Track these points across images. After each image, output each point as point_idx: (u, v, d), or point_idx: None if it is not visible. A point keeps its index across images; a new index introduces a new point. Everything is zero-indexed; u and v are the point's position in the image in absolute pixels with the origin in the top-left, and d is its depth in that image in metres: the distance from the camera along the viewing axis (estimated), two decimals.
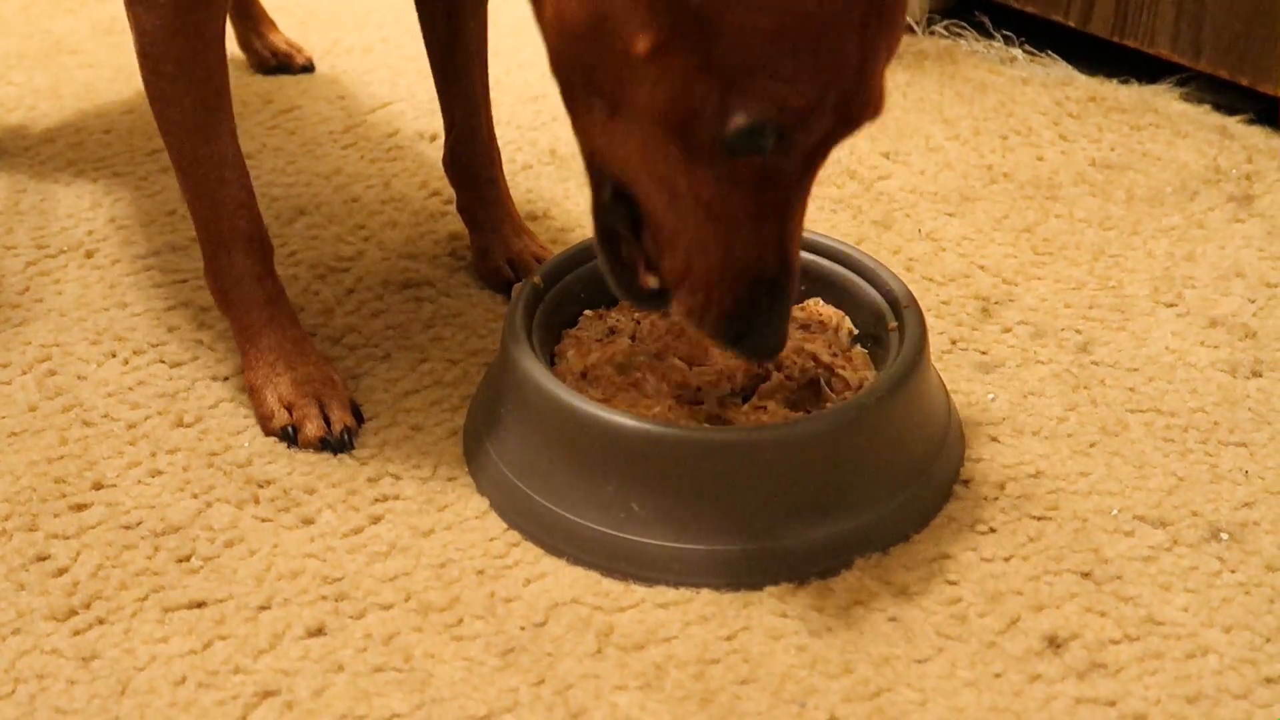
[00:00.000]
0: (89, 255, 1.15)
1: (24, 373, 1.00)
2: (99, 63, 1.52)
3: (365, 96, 1.44)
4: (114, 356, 1.02)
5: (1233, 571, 0.81)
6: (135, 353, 1.02)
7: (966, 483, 0.88)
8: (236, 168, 0.93)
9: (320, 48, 1.54)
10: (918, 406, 0.86)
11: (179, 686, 0.74)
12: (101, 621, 0.78)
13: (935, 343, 1.02)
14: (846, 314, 0.96)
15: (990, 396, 0.96)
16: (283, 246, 1.15)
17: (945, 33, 1.55)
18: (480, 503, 0.87)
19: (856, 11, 0.68)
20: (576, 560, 0.82)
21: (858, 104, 0.71)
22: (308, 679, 0.75)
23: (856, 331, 0.95)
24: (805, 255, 0.97)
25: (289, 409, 0.93)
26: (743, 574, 0.80)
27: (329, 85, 1.47)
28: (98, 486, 0.89)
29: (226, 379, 0.99)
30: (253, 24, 1.50)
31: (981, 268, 1.12)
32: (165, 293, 1.09)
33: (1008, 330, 1.04)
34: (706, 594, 0.80)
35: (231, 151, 0.92)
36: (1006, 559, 0.82)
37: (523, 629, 0.78)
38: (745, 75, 0.68)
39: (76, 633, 0.78)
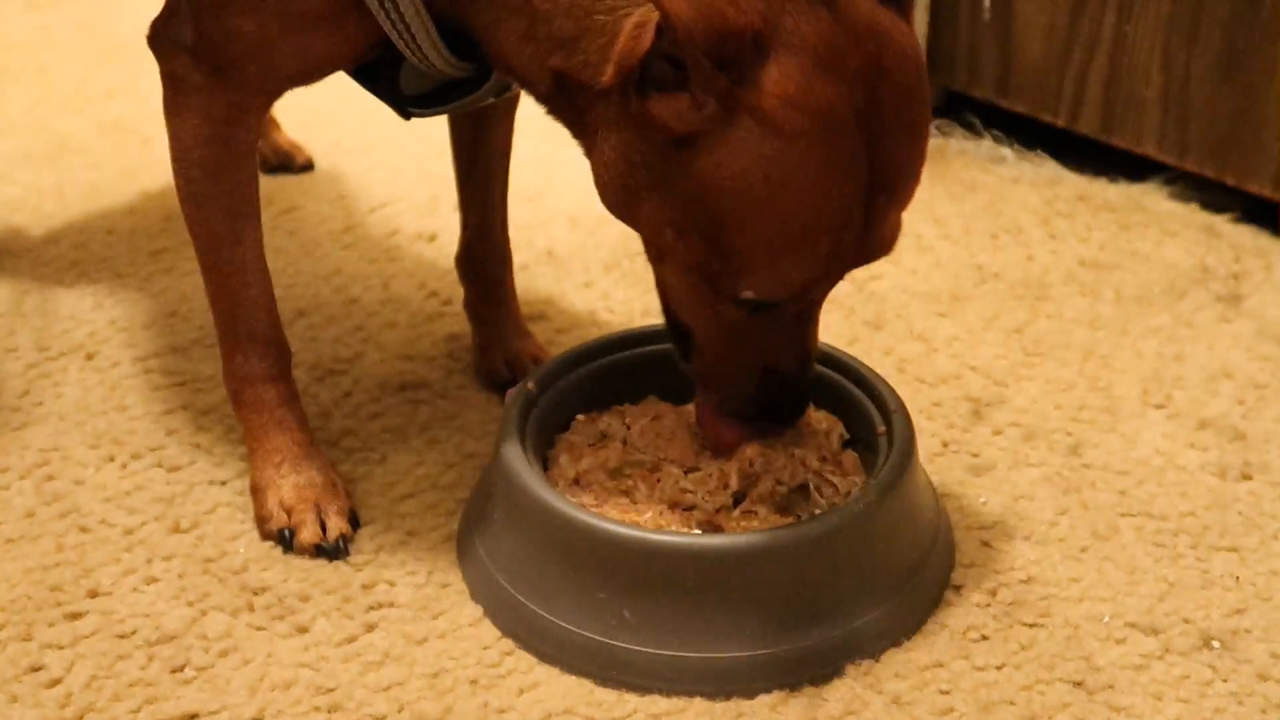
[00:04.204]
0: (89, 357, 1.16)
1: (22, 477, 1.01)
2: (103, 163, 1.55)
3: (365, 196, 1.47)
4: (112, 460, 1.03)
5: (1224, 680, 0.81)
6: (133, 456, 1.03)
7: (958, 588, 0.89)
8: (259, 273, 0.96)
9: (321, 147, 1.58)
10: (907, 511, 0.87)
11: None
12: None
13: (926, 445, 1.03)
14: (839, 418, 0.97)
15: (982, 500, 0.98)
16: None
17: (936, 132, 1.58)
18: (474, 610, 0.88)
19: (855, 208, 0.74)
20: (570, 669, 0.83)
21: (864, 256, 0.79)
22: None
23: (848, 436, 0.96)
24: None
25: (288, 513, 0.94)
26: (736, 682, 0.81)
27: (329, 184, 1.50)
28: (93, 594, 0.90)
29: (224, 483, 1.01)
30: None
31: (972, 369, 1.14)
32: (165, 395, 1.11)
33: (999, 432, 1.05)
34: (699, 703, 0.80)
35: (255, 257, 0.95)
36: (999, 667, 0.83)
37: None
38: (750, 266, 0.76)
39: None
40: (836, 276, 0.80)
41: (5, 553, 0.93)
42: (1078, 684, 0.81)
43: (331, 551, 0.92)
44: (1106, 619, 0.86)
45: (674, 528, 0.86)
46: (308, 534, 0.93)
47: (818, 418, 0.96)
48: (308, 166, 1.53)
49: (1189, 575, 0.90)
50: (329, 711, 0.80)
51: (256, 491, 0.96)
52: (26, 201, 1.46)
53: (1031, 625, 0.86)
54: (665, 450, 0.92)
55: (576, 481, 0.91)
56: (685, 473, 0.91)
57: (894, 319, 1.22)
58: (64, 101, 1.73)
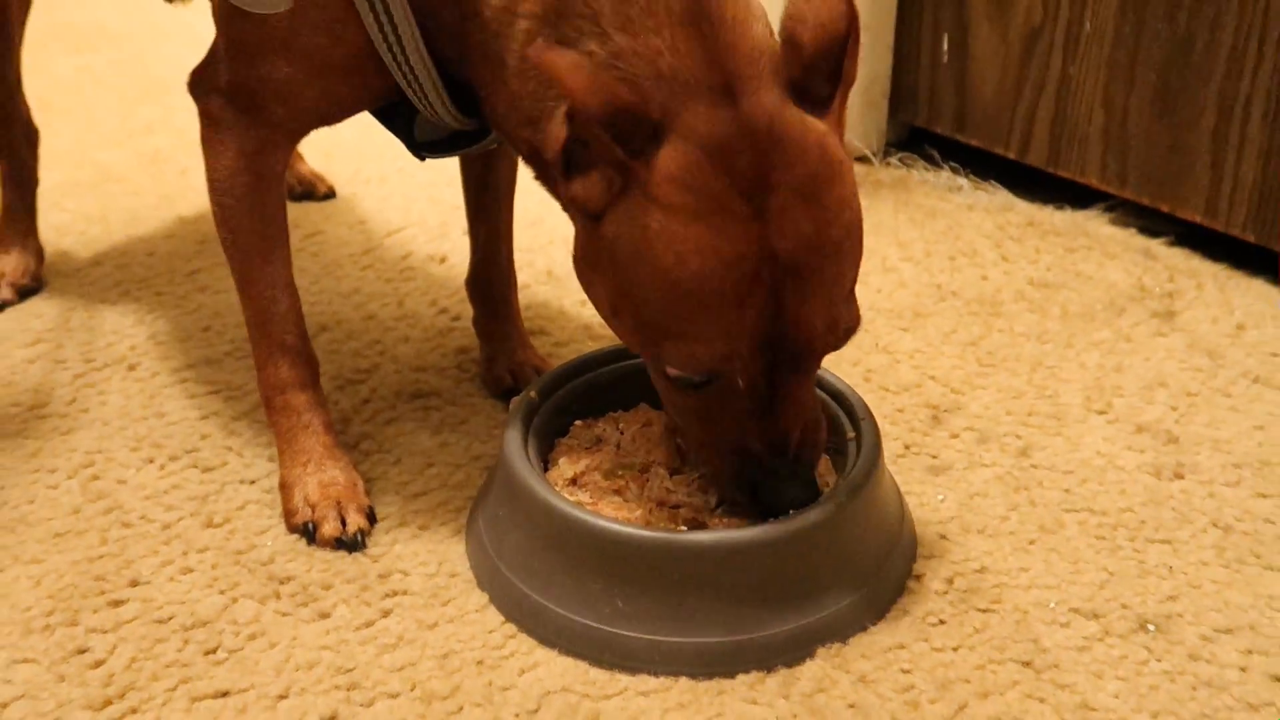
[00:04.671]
0: (131, 368, 1.17)
1: (69, 477, 1.01)
2: (143, 191, 1.56)
3: (381, 222, 1.47)
4: (151, 462, 1.03)
5: (1159, 660, 0.82)
6: (171, 458, 1.04)
7: (919, 578, 0.89)
8: (288, 289, 0.96)
9: (342, 177, 1.58)
10: (875, 509, 0.88)
11: None
12: (134, 711, 0.79)
13: (890, 448, 1.04)
14: None
15: (940, 497, 0.98)
16: None
17: (899, 163, 1.59)
18: (480, 597, 0.88)
19: (753, 289, 0.73)
20: (567, 651, 0.83)
21: (794, 341, 0.76)
22: None
23: None
24: None
25: (312, 508, 0.94)
26: (717, 664, 0.81)
27: (349, 211, 1.50)
28: (134, 584, 0.90)
29: (253, 482, 1.01)
30: None
31: (932, 378, 1.14)
32: (200, 403, 1.11)
33: (955, 436, 1.06)
34: (684, 682, 0.81)
35: (284, 275, 0.96)
36: (955, 649, 0.83)
37: (517, 716, 0.78)
38: (662, 340, 0.76)
39: None
40: (764, 363, 0.76)
41: (54, 546, 0.93)
42: (1026, 664, 0.82)
43: (350, 544, 0.93)
44: (1052, 605, 0.86)
45: (663, 525, 0.87)
46: (329, 528, 0.93)
47: None
48: (330, 195, 1.54)
49: (1127, 565, 0.90)
50: (348, 690, 0.80)
51: (284, 489, 0.96)
52: (73, 227, 1.46)
53: (985, 610, 0.86)
54: (653, 454, 0.93)
55: (574, 481, 0.91)
56: (670, 474, 0.91)
57: (861, 334, 1.21)
58: (107, 135, 1.74)
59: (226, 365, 1.17)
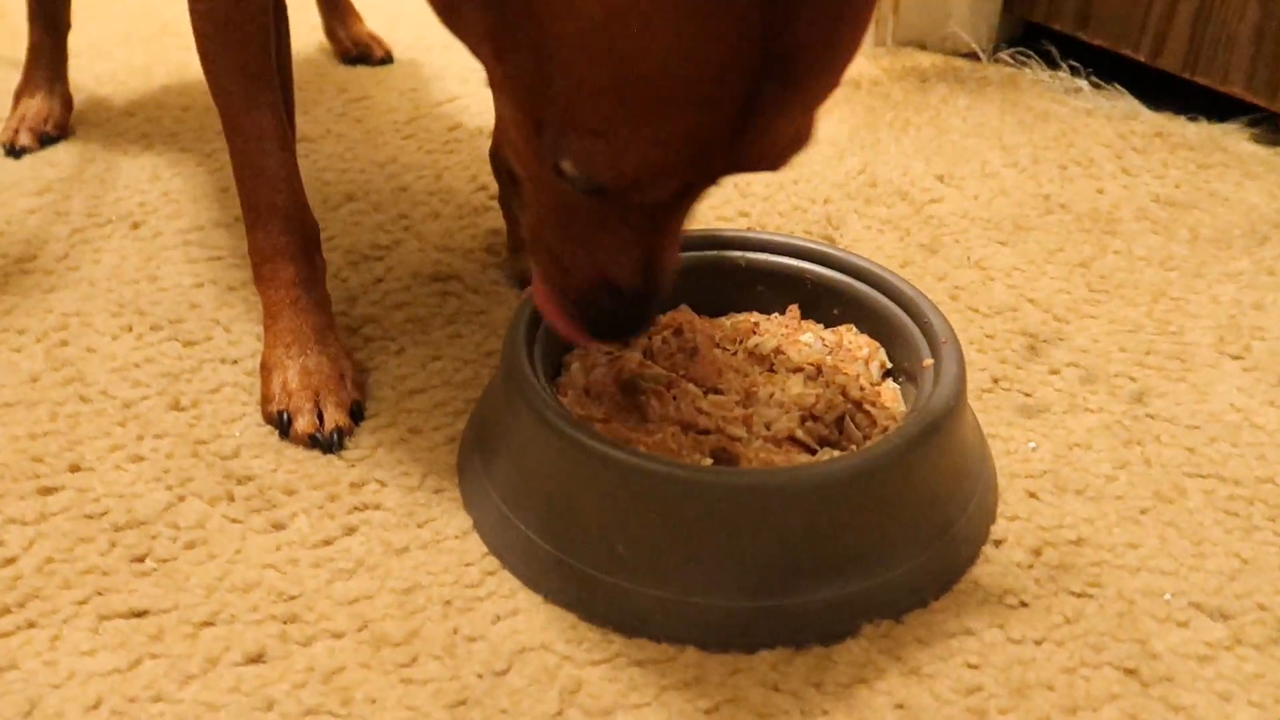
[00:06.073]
0: (135, 226, 0.98)
1: (38, 340, 0.83)
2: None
3: (435, 90, 1.25)
4: (130, 330, 0.84)
5: None
6: (152, 328, 0.85)
7: (998, 544, 0.67)
8: (278, 142, 0.76)
9: (404, 43, 1.36)
10: (948, 455, 0.65)
11: (91, 712, 0.56)
12: (31, 625, 0.61)
13: (975, 380, 0.80)
14: (881, 345, 0.74)
15: (1031, 445, 0.75)
16: (323, 231, 0.96)
17: (1011, 60, 1.31)
18: (464, 521, 0.68)
19: (729, 89, 0.46)
20: (553, 598, 0.63)
21: (740, 159, 0.50)
22: (230, 717, 0.56)
23: (889, 365, 0.73)
24: (840, 277, 0.76)
25: (289, 397, 0.75)
26: (733, 633, 0.60)
27: (403, 78, 1.28)
28: (74, 469, 0.71)
29: (235, 362, 0.81)
30: (338, 15, 1.33)
31: (1031, 301, 0.90)
32: (197, 269, 0.92)
33: (1055, 372, 0.82)
34: (691, 653, 0.60)
35: (273, 126, 0.76)
36: (1038, 642, 0.61)
37: (480, 677, 0.59)
38: (575, 123, 0.49)
39: (2, 636, 0.60)
40: (695, 177, 0.52)
41: None
42: (1130, 671, 0.59)
43: (326, 444, 0.73)
44: (1168, 596, 0.63)
45: (684, 452, 0.65)
46: (303, 423, 0.74)
47: (857, 343, 0.74)
48: (386, 59, 1.32)
49: (1266, 553, 0.66)
50: (284, 622, 0.61)
51: (264, 370, 0.77)
52: (116, 76, 1.27)
53: (1079, 595, 0.63)
54: (686, 366, 0.71)
55: (586, 391, 0.70)
56: (705, 393, 0.69)
57: (951, 244, 0.97)
58: None
59: (236, 230, 0.97)
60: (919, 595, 0.62)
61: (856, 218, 1.01)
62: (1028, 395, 0.80)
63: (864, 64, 1.32)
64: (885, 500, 0.61)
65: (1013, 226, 1.00)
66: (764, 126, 0.48)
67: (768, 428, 0.67)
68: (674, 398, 0.68)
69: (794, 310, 0.78)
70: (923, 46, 1.37)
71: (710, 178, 0.52)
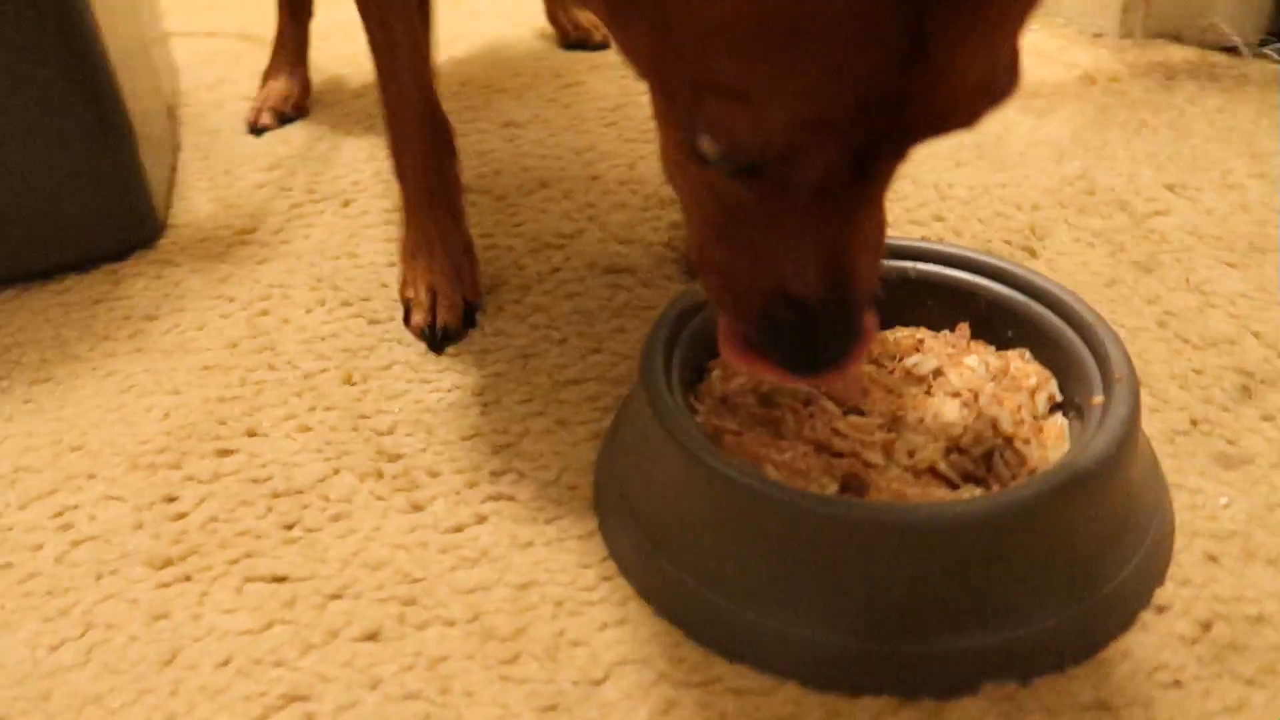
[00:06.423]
0: (345, 204, 1.03)
1: (243, 309, 0.89)
2: (443, 30, 1.41)
3: None
4: (322, 305, 0.89)
5: None
6: (343, 304, 0.89)
7: (1160, 610, 0.59)
8: (410, 53, 0.81)
9: None
10: (1101, 508, 0.58)
11: (220, 669, 0.60)
12: (187, 579, 0.65)
13: (1170, 420, 0.71)
14: (1056, 375, 0.67)
15: (1223, 501, 0.65)
16: (513, 216, 0.99)
17: (1276, 56, 1.15)
18: (591, 522, 0.67)
19: (885, 12, 0.37)
20: (663, 612, 0.61)
21: (922, 106, 0.40)
22: (339, 690, 0.58)
23: (1059, 399, 0.66)
24: (1018, 297, 0.69)
25: (413, 290, 0.82)
26: (838, 673, 0.56)
27: (617, 63, 1.28)
28: (250, 434, 0.76)
29: (409, 344, 0.84)
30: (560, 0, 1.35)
31: (1255, 335, 0.79)
32: (391, 249, 0.95)
33: (1269, 418, 0.71)
34: (792, 688, 0.56)
35: (406, 39, 0.80)
36: None
37: (575, 684, 0.58)
38: (706, 82, 0.41)
39: (161, 585, 0.65)
40: (863, 140, 0.41)
41: (197, 380, 0.81)
42: None
43: (430, 340, 0.79)
44: None
45: (812, 475, 0.61)
46: (418, 316, 0.81)
47: (1025, 371, 0.67)
48: (604, 45, 1.32)
49: None
50: (404, 604, 0.62)
51: (400, 258, 0.84)
52: (356, 58, 1.34)
53: (1248, 682, 0.55)
54: (829, 383, 0.67)
55: (723, 401, 0.67)
56: (846, 413, 0.65)
57: (1170, 263, 0.87)
58: None
59: None
60: (1054, 658, 0.56)
61: (1065, 228, 0.92)
62: (1231, 443, 0.70)
63: (1103, 57, 1.20)
64: (1018, 551, 0.55)
65: (1247, 247, 0.88)
66: (941, 64, 0.38)
67: (910, 455, 0.62)
68: (810, 415, 0.65)
69: (964, 329, 0.72)
70: (1176, 39, 1.23)
71: (885, 142, 0.42)
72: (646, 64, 0.46)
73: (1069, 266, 0.87)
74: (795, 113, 0.39)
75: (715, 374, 0.69)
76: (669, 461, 0.60)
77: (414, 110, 0.81)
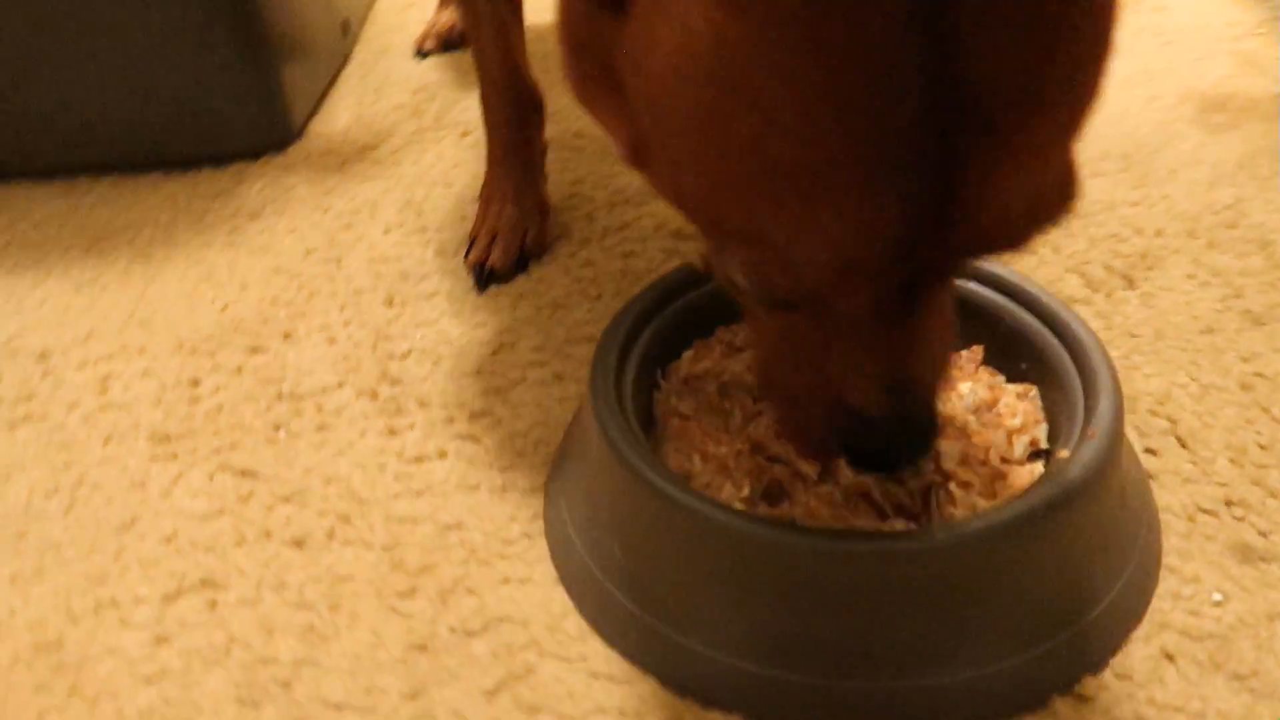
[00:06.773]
0: (464, 135, 1.06)
1: (334, 220, 0.93)
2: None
3: None
4: (400, 227, 0.92)
5: None
6: (419, 230, 0.92)
7: (1081, 700, 0.51)
8: (493, 26, 0.84)
9: None
10: (1055, 551, 0.51)
11: (162, 544, 0.64)
12: (174, 457, 0.70)
13: (1202, 495, 0.62)
14: (1053, 417, 0.60)
15: (1216, 597, 0.56)
16: (608, 170, 0.98)
17: None
18: (543, 477, 0.67)
19: (902, 142, 0.35)
20: (565, 582, 0.60)
21: (982, 232, 0.38)
22: (248, 585, 0.61)
23: (1045, 447, 0.59)
24: (1038, 327, 0.62)
25: (478, 227, 0.87)
26: (764, 706, 0.52)
27: None
28: (286, 336, 0.80)
29: (461, 280, 0.86)
30: None
31: None
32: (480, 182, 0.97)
33: None
34: (666, 694, 0.54)
35: (490, 14, 0.84)
36: None
37: (452, 630, 0.57)
38: (724, 229, 0.40)
39: (152, 459, 0.70)
40: (902, 273, 0.39)
41: (264, 279, 0.86)
42: None
43: (479, 274, 0.84)
44: None
45: (732, 476, 0.58)
46: (474, 253, 0.85)
47: (1012, 409, 0.60)
48: None
49: None
50: (338, 519, 0.64)
51: (479, 200, 0.89)
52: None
53: None
54: None
55: (686, 382, 0.64)
56: None
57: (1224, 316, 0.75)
58: None
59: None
60: (1033, 696, 0.50)
61: (1183, 262, 0.81)
62: (1263, 535, 0.60)
63: None
64: (957, 592, 0.50)
65: None
66: (975, 196, 0.37)
67: (849, 475, 0.58)
68: (758, 413, 0.61)
69: (977, 352, 0.65)
70: None
71: (929, 269, 0.40)
72: (672, 201, 0.44)
73: (1167, 304, 0.76)
74: (820, 258, 0.38)
75: (689, 354, 0.66)
76: (590, 444, 0.59)
77: (497, 79, 0.86)
